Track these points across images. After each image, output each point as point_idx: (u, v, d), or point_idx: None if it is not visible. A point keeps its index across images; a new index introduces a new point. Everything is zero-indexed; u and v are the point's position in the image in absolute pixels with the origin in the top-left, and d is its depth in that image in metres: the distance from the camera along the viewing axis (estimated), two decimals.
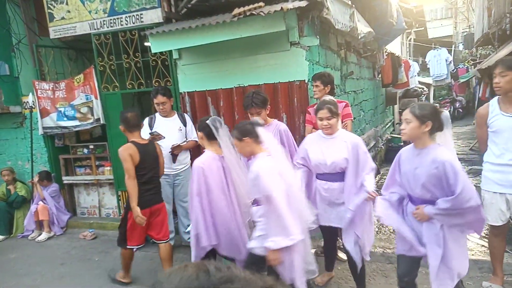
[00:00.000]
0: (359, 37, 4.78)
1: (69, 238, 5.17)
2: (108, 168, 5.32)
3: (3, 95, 5.36)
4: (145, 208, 3.32)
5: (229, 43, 3.82)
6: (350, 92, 5.62)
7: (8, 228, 5.39)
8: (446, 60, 14.91)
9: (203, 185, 2.75)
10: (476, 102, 10.53)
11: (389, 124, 10.05)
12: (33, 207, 5.26)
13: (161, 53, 4.36)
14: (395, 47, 10.20)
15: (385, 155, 8.18)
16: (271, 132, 3.36)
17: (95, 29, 4.71)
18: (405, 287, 2.53)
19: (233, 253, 2.91)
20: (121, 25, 4.57)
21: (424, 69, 16.55)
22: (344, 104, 3.63)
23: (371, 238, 2.93)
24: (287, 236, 2.31)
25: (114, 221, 5.12)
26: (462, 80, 14.10)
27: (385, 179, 2.74)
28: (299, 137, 4.10)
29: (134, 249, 3.59)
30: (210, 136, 2.81)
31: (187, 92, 4.48)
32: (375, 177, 3.06)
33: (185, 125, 4.15)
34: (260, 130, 2.52)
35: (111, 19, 4.61)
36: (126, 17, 4.53)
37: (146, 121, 4.12)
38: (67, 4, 4.80)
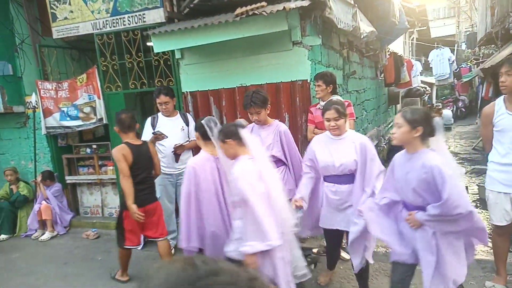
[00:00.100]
0: (362, 37, 4.77)
1: (72, 237, 5.19)
2: (111, 167, 5.33)
3: (6, 95, 5.38)
4: (139, 208, 3.35)
5: (232, 43, 3.82)
6: (352, 91, 5.61)
7: (12, 228, 5.41)
8: (448, 60, 14.90)
9: (193, 186, 2.71)
10: (479, 102, 10.50)
11: (392, 123, 10.02)
12: (36, 207, 5.28)
13: (163, 53, 4.37)
14: (398, 46, 10.19)
15: (388, 154, 8.16)
16: (271, 132, 3.34)
17: (97, 29, 4.72)
18: None
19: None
20: (124, 25, 4.58)
21: (427, 68, 16.52)
22: (347, 103, 3.61)
23: (374, 240, 2.89)
24: (263, 241, 2.25)
25: None
26: (465, 80, 14.06)
27: None
28: (301, 137, 4.11)
29: (138, 248, 3.60)
30: (205, 137, 2.78)
31: (190, 91, 4.49)
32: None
33: (187, 124, 4.16)
34: (243, 132, 2.46)
35: (113, 19, 4.62)
36: (129, 17, 4.54)
37: (149, 120, 4.14)
38: (70, 4, 4.82)
